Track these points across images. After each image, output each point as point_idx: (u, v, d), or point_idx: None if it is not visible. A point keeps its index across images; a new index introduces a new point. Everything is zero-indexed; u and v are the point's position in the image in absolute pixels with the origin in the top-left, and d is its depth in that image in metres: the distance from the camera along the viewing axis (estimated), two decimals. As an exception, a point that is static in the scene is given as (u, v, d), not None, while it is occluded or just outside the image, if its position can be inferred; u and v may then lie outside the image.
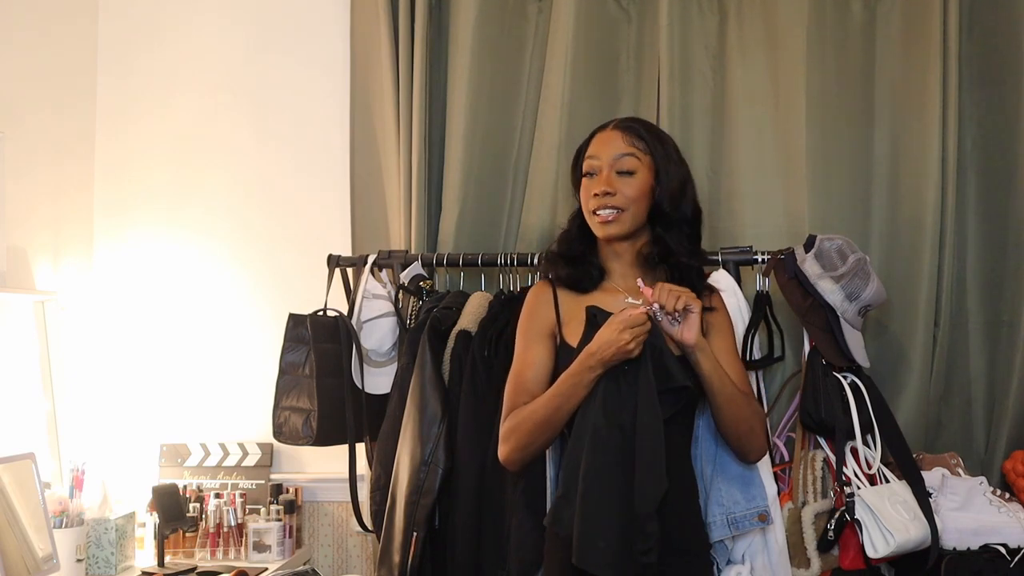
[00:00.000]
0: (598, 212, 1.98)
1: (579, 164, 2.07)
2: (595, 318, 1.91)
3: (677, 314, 1.86)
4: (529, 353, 2.02)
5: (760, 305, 2.47)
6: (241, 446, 2.90)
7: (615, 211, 1.97)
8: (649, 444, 1.80)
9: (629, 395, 1.83)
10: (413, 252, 2.69)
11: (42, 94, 2.78)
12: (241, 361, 2.96)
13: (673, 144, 2.07)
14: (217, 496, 2.80)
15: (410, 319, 2.59)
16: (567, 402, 1.88)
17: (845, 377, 2.34)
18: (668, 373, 1.84)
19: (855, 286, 2.34)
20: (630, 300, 2.00)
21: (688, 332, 1.87)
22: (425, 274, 2.64)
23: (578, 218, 2.08)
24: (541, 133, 2.75)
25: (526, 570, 2.07)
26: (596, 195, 1.98)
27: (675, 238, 2.02)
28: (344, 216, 2.88)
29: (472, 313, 2.47)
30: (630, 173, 1.99)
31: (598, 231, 2.01)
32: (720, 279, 2.42)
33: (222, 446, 2.90)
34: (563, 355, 1.99)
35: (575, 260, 2.05)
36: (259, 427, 2.84)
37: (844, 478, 2.27)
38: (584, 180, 2.03)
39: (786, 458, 2.44)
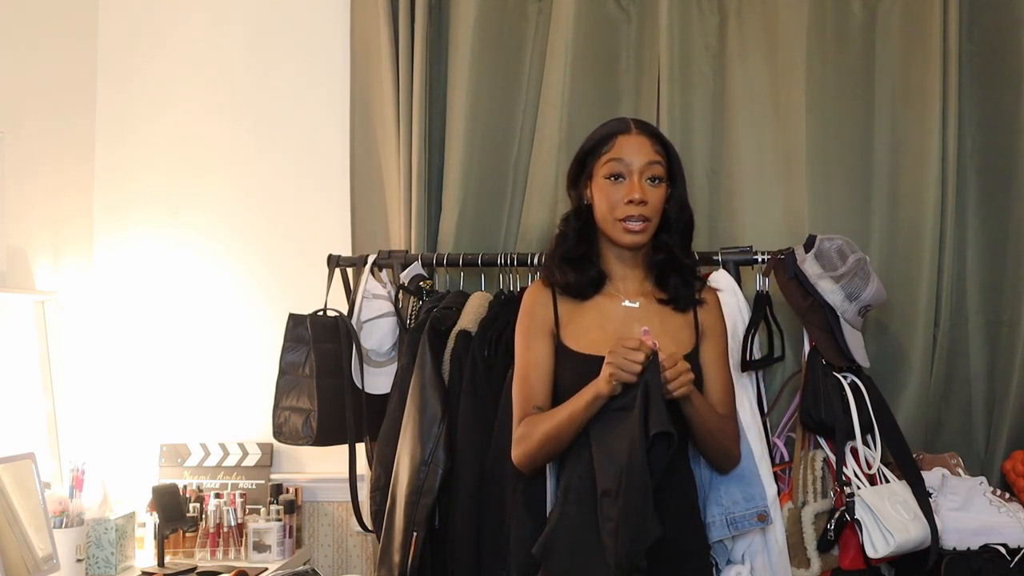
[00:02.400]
0: (629, 220, 1.96)
1: (586, 164, 2.03)
2: None
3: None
4: (530, 354, 2.02)
5: (760, 305, 2.47)
6: (241, 446, 2.90)
7: (645, 221, 1.97)
8: (635, 499, 1.77)
9: (621, 441, 1.82)
10: (413, 252, 2.69)
11: (42, 94, 2.78)
12: (241, 361, 2.96)
13: (676, 152, 2.08)
14: (217, 496, 2.80)
15: (410, 319, 2.59)
16: (573, 423, 1.90)
17: (845, 377, 2.34)
18: (658, 418, 1.80)
19: (855, 286, 2.34)
20: (627, 303, 2.01)
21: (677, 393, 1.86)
22: (425, 274, 2.64)
23: (577, 220, 2.06)
24: (541, 133, 2.75)
25: (526, 570, 2.07)
26: (631, 202, 1.94)
27: (676, 243, 2.04)
28: (344, 216, 2.88)
29: (472, 313, 2.47)
30: (659, 181, 1.98)
31: (624, 239, 1.98)
32: (720, 279, 2.42)
33: (222, 446, 2.90)
34: (562, 357, 2.00)
35: (579, 264, 2.04)
36: (259, 427, 2.83)
37: (844, 478, 2.27)
38: (606, 182, 1.97)
39: (786, 458, 2.44)
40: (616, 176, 1.97)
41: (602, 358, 1.95)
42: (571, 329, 2.01)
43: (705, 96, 2.76)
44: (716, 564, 2.19)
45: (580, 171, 2.05)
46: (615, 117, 2.10)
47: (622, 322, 2.00)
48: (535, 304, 2.05)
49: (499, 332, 2.39)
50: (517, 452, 2.00)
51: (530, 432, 1.96)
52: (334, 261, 2.70)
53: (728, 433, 2.04)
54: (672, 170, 2.02)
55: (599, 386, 1.84)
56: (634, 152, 1.97)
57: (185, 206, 3.01)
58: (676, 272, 2.04)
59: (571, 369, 1.99)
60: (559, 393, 2.02)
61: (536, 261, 2.52)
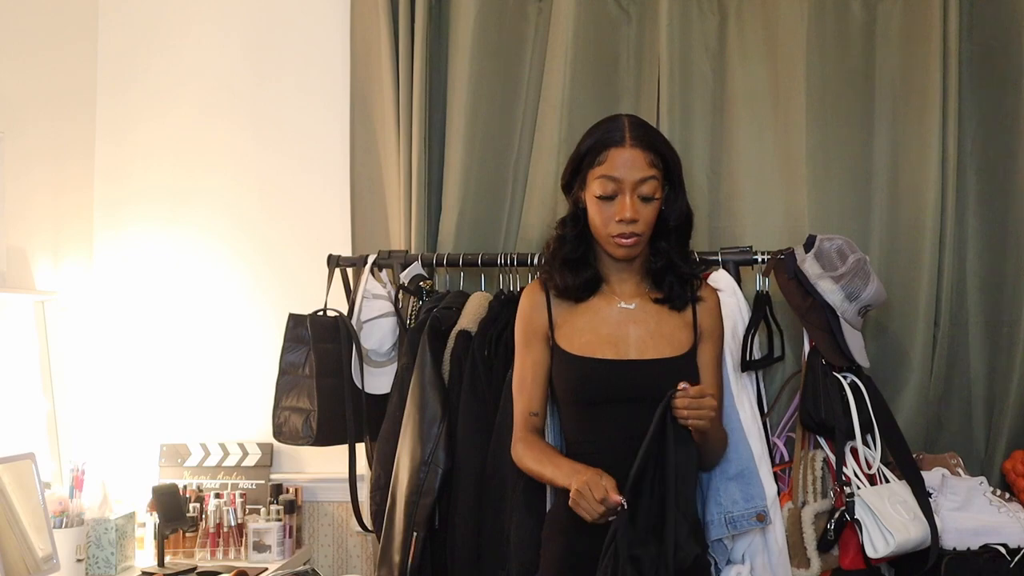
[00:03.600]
0: (620, 236, 1.96)
1: (580, 170, 2.01)
2: None
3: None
4: (527, 359, 2.05)
5: (760, 305, 2.46)
6: (241, 446, 2.90)
7: (636, 236, 1.96)
8: None
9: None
10: (413, 252, 2.69)
11: (42, 93, 2.78)
12: (241, 361, 2.96)
13: (676, 153, 2.06)
14: (217, 496, 2.80)
15: (410, 319, 2.59)
16: (552, 485, 1.99)
17: (845, 377, 2.34)
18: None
19: (855, 286, 2.34)
20: (622, 305, 2.01)
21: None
22: (425, 274, 2.64)
23: (574, 226, 2.06)
24: (541, 133, 2.75)
25: (526, 570, 2.07)
26: (621, 221, 1.94)
27: (673, 247, 2.03)
28: (344, 216, 2.88)
29: (472, 313, 2.47)
30: (652, 199, 1.97)
31: (616, 252, 1.98)
32: (720, 279, 2.42)
33: (222, 446, 2.90)
34: (557, 358, 2.00)
35: (576, 267, 2.04)
36: (259, 427, 2.83)
37: (844, 478, 2.27)
38: (599, 201, 1.96)
39: (786, 458, 2.44)
40: (608, 196, 1.95)
41: (594, 360, 1.96)
42: (565, 330, 2.01)
43: (705, 96, 2.75)
44: (716, 563, 2.19)
45: (575, 175, 2.04)
46: (612, 115, 2.07)
47: (617, 324, 2.01)
48: (530, 309, 2.06)
49: (499, 332, 2.39)
50: (514, 455, 2.05)
51: (523, 455, 2.02)
52: (334, 261, 2.70)
53: (723, 443, 2.07)
54: (671, 177, 2.01)
55: (572, 486, 1.83)
56: (627, 169, 1.94)
57: (185, 206, 3.01)
58: (678, 277, 2.04)
59: (565, 370, 1.99)
60: (555, 392, 2.03)
61: (536, 261, 2.52)
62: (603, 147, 1.97)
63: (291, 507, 2.79)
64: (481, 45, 2.74)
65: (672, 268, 2.03)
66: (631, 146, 1.95)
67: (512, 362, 2.18)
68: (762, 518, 2.13)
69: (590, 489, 1.78)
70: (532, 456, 1.99)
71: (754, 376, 2.42)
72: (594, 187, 1.97)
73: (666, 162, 1.99)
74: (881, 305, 2.45)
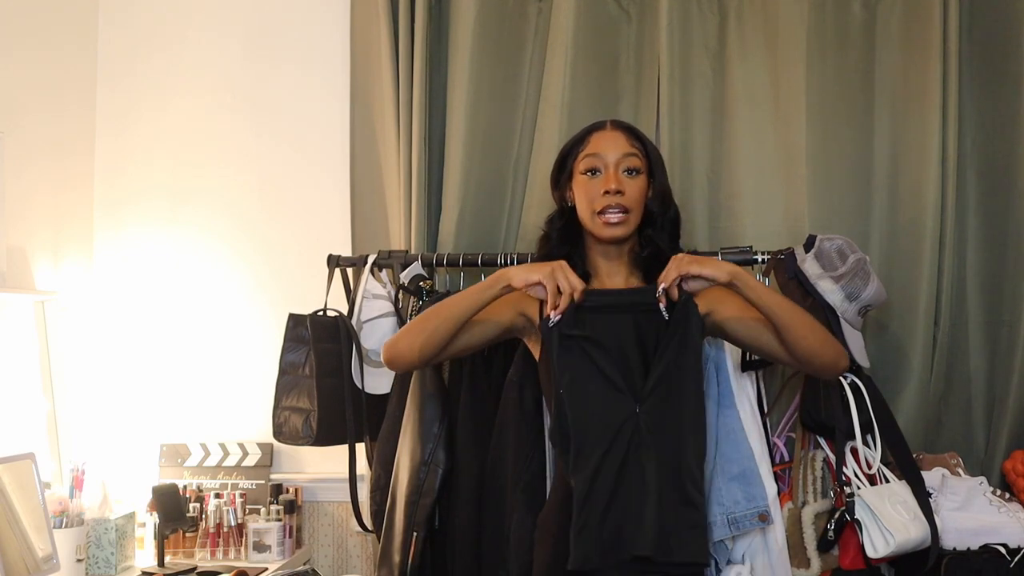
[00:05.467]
0: (606, 212, 1.96)
1: (566, 165, 2.06)
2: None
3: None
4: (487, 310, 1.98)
5: (760, 305, 2.46)
6: (241, 446, 2.90)
7: (623, 212, 1.96)
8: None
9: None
10: (413, 252, 2.69)
11: (42, 92, 2.78)
12: (241, 361, 2.96)
13: (656, 149, 2.10)
14: (217, 496, 2.80)
15: (410, 319, 2.58)
16: (463, 301, 1.92)
17: (845, 377, 2.34)
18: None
19: (855, 286, 2.34)
20: None
21: (708, 271, 1.86)
22: (425, 274, 2.64)
23: (560, 220, 2.08)
24: (541, 133, 2.75)
25: (526, 570, 2.07)
26: (607, 193, 1.95)
27: (662, 239, 2.04)
28: (344, 216, 2.88)
29: (472, 313, 2.47)
30: (636, 172, 1.99)
31: (603, 232, 1.98)
32: (720, 279, 2.42)
33: (222, 446, 2.90)
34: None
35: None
36: (259, 427, 2.84)
37: (844, 478, 2.27)
38: (583, 178, 2.01)
39: (786, 458, 2.44)
40: (592, 171, 2.00)
41: None
42: None
43: (705, 96, 2.75)
44: (716, 563, 2.19)
45: (561, 172, 2.08)
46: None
47: None
48: (522, 294, 2.02)
49: (499, 332, 2.38)
50: (396, 339, 2.00)
51: (407, 327, 1.99)
52: (334, 261, 2.70)
53: (809, 326, 1.92)
54: (651, 164, 2.04)
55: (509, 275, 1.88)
56: (609, 146, 2.00)
57: (186, 205, 3.01)
58: (663, 268, 2.03)
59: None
60: (548, 393, 2.01)
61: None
62: (586, 135, 2.05)
63: (291, 507, 2.79)
64: (481, 45, 2.74)
65: (660, 258, 2.03)
66: (612, 129, 2.04)
67: (512, 362, 2.19)
68: (764, 518, 2.14)
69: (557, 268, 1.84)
70: (418, 317, 1.97)
71: (754, 376, 2.42)
72: (579, 169, 2.01)
73: (647, 149, 2.02)
74: (881, 305, 2.45)
